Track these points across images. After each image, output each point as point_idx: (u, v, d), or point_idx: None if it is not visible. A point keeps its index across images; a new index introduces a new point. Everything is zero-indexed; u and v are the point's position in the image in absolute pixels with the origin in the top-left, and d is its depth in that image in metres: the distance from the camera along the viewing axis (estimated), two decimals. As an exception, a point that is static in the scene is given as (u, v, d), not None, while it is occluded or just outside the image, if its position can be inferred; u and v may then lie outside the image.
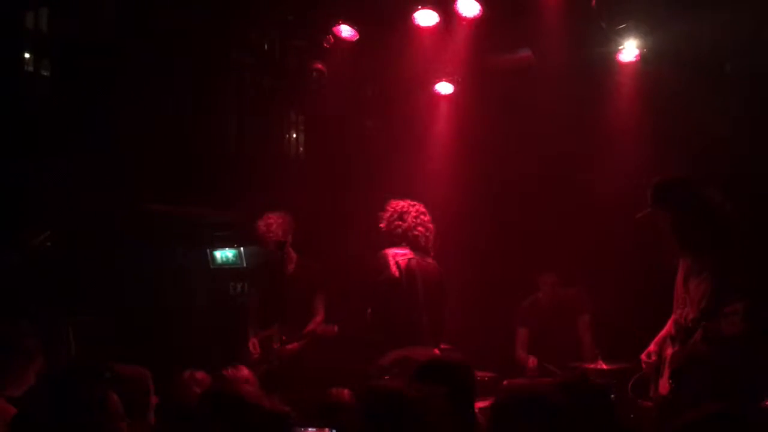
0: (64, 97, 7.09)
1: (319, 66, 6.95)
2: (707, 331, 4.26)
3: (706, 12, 5.82)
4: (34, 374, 3.84)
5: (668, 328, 4.65)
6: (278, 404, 3.01)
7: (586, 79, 6.67)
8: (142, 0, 7.00)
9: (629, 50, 6.26)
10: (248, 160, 8.10)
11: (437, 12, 6.40)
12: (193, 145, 7.66)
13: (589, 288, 6.65)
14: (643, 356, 4.68)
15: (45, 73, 7.35)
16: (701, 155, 6.05)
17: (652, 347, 4.69)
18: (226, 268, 7.78)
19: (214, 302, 7.89)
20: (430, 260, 5.55)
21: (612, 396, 4.25)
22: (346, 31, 6.66)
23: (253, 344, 6.26)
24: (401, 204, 5.59)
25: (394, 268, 5.35)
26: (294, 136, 8.93)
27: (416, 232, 5.49)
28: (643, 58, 6.28)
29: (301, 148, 8.88)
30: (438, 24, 6.48)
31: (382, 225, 5.57)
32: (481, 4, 6.25)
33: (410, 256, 5.44)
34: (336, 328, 6.11)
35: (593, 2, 6.08)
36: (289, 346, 6.09)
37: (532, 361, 6.49)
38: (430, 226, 5.58)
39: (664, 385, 4.45)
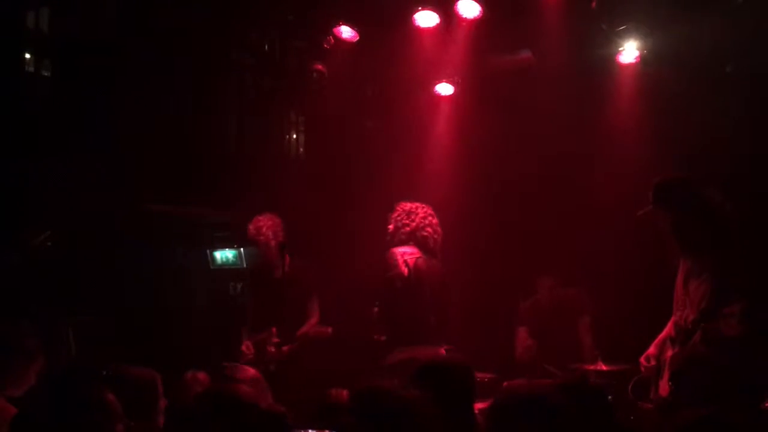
0: (65, 97, 7.10)
1: (320, 66, 6.94)
2: (707, 332, 4.25)
3: (706, 13, 5.82)
4: (35, 374, 3.85)
5: (668, 329, 4.64)
6: (275, 405, 3.01)
7: (587, 81, 6.67)
8: (142, 0, 7.01)
9: (629, 52, 6.26)
10: (248, 160, 8.11)
11: (437, 13, 6.40)
12: (193, 145, 7.67)
13: (589, 289, 6.65)
14: (642, 360, 4.67)
15: (45, 73, 7.36)
16: (701, 155, 6.04)
17: (651, 349, 4.67)
18: (226, 268, 7.78)
19: (214, 302, 7.89)
20: (435, 261, 5.56)
21: (611, 397, 4.25)
22: (346, 31, 6.65)
23: (247, 346, 6.11)
24: (409, 205, 5.62)
25: (402, 266, 5.38)
26: (294, 136, 8.94)
27: (424, 233, 5.51)
28: (643, 60, 6.28)
29: (301, 149, 8.89)
30: (438, 25, 6.48)
31: (389, 225, 5.59)
32: (481, 5, 6.24)
33: (418, 255, 5.46)
34: (330, 330, 6.05)
35: (593, 3, 6.08)
36: (283, 348, 6.03)
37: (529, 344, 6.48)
38: (438, 228, 5.60)
39: (664, 386, 4.44)
